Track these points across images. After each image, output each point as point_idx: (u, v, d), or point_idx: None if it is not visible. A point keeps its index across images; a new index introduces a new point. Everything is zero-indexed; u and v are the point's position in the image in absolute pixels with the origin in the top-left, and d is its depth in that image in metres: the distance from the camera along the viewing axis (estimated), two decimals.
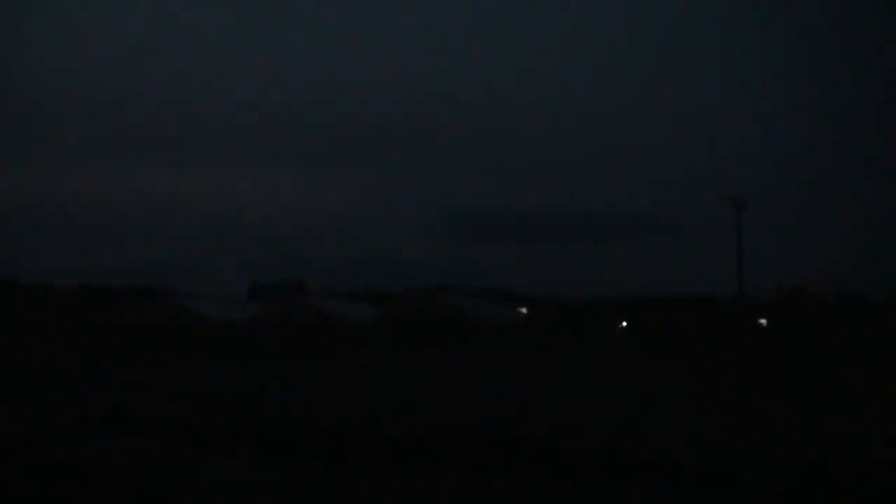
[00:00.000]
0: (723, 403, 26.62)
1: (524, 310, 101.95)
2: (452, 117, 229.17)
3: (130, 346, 56.99)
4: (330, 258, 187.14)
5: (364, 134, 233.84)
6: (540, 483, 14.72)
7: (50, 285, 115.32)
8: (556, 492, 14.05)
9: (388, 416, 23.51)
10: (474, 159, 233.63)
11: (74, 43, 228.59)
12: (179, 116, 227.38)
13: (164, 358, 49.74)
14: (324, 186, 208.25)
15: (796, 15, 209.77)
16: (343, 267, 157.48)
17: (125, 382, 35.95)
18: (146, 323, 77.77)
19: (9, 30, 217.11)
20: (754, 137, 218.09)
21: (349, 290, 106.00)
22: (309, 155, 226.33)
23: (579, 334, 75.91)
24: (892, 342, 44.21)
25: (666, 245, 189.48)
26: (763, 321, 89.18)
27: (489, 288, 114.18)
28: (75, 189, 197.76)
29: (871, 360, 37.55)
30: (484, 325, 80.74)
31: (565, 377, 37.13)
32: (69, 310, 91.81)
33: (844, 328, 58.79)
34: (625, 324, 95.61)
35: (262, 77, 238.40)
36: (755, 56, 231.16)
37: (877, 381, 30.52)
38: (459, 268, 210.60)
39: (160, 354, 51.99)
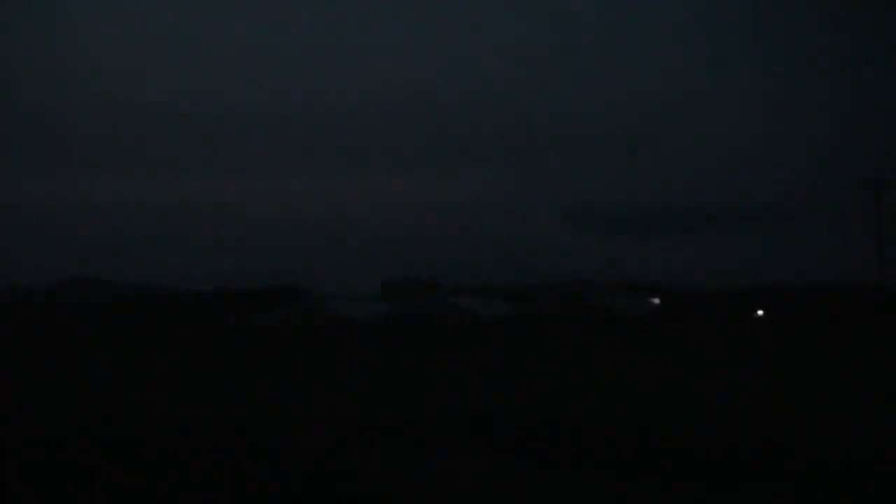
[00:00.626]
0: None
1: (657, 301, 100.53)
2: (574, 115, 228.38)
3: (274, 348, 58.67)
4: (459, 255, 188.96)
5: (489, 133, 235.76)
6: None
7: (184, 290, 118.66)
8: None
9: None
10: (599, 154, 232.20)
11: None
12: (301, 122, 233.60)
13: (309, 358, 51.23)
14: (451, 185, 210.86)
15: None
16: (473, 264, 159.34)
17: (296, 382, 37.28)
18: (285, 323, 79.98)
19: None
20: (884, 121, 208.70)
21: (481, 286, 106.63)
22: (436, 155, 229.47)
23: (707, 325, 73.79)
24: None
25: (806, 233, 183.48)
26: None
27: (620, 280, 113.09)
28: (198, 196, 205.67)
29: None
30: (619, 318, 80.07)
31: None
32: (208, 313, 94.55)
33: None
34: (760, 313, 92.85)
35: (386, 83, 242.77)
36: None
37: None
38: (588, 261, 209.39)
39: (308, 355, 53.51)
